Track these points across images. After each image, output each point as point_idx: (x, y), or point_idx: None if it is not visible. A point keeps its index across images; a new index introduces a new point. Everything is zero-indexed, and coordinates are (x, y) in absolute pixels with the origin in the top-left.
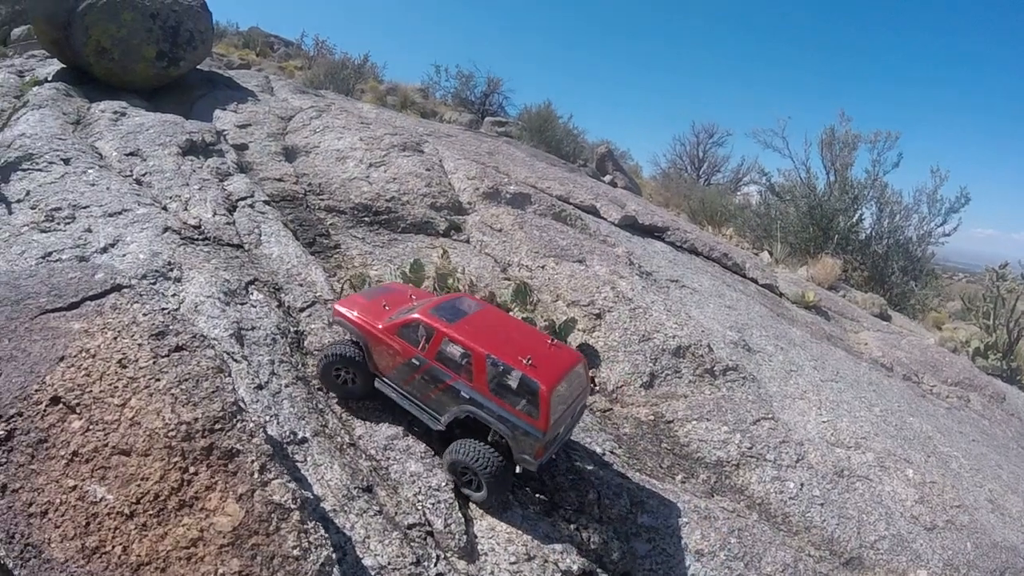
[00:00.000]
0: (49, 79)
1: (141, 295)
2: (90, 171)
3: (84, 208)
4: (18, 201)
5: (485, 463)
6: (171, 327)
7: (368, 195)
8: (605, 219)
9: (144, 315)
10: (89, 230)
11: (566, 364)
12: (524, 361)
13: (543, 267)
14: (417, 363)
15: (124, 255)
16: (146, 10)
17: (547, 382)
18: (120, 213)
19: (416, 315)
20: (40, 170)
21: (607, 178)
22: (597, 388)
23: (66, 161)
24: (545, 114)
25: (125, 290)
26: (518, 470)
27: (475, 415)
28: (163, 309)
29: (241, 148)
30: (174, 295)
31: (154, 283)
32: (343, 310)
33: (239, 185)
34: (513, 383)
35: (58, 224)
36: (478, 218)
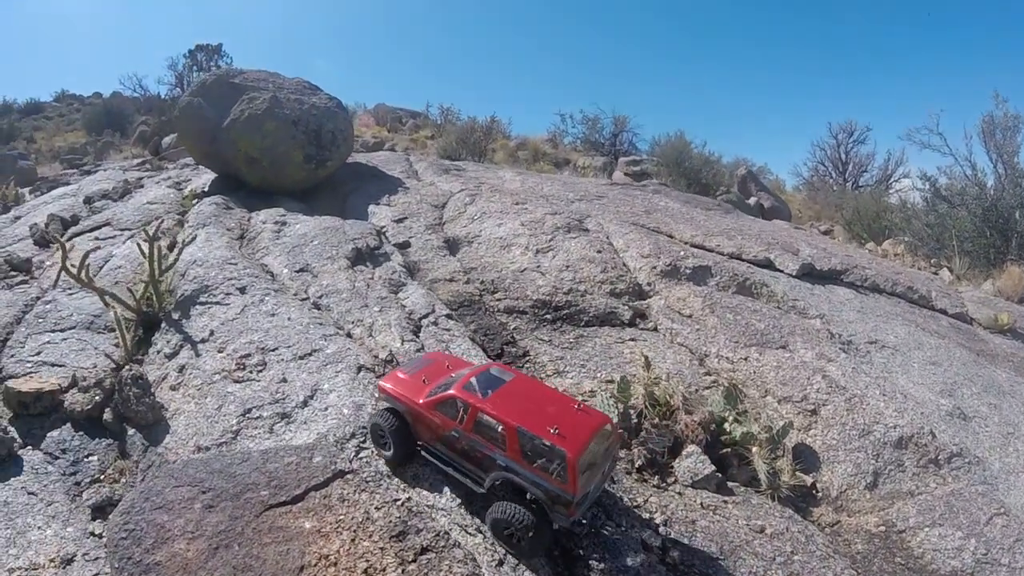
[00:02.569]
0: (206, 190)
1: (367, 482)
2: (267, 299)
3: (273, 351)
4: (202, 341)
5: (523, 522)
6: (410, 523)
7: (545, 289)
8: (782, 271)
9: (377, 508)
10: (284, 379)
11: (592, 427)
12: (551, 431)
13: (746, 359)
14: (456, 435)
15: (326, 409)
16: (287, 118)
17: (573, 450)
18: (310, 355)
19: (452, 392)
20: (218, 303)
21: (751, 200)
22: (735, 461)
23: (242, 290)
24: (679, 145)
25: (349, 476)
26: (556, 526)
27: (512, 481)
28: (396, 501)
29: (403, 246)
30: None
31: (365, 443)
32: (388, 386)
33: (417, 298)
34: (543, 451)
35: (250, 372)
36: (662, 302)
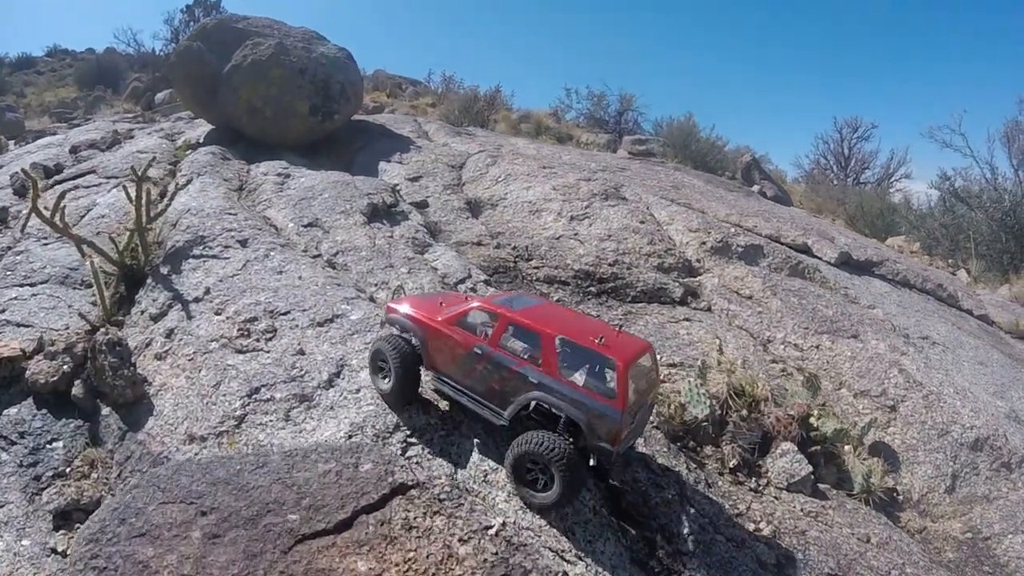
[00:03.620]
0: (201, 141)
1: (441, 500)
2: (273, 254)
3: (284, 315)
4: (197, 300)
5: (559, 451)
6: (513, 563)
7: (587, 260)
8: (820, 258)
9: (462, 541)
10: (301, 351)
11: (637, 348)
12: (596, 340)
13: (817, 346)
14: (480, 352)
15: (357, 391)
16: (294, 66)
17: (623, 358)
18: (331, 321)
19: (478, 304)
20: (215, 257)
21: (755, 188)
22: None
23: (243, 243)
24: (687, 128)
25: (414, 492)
26: (592, 462)
27: (545, 401)
28: (487, 529)
29: (421, 206)
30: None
31: (412, 437)
32: (400, 307)
33: (448, 261)
34: (586, 363)
35: (257, 341)
36: (715, 280)
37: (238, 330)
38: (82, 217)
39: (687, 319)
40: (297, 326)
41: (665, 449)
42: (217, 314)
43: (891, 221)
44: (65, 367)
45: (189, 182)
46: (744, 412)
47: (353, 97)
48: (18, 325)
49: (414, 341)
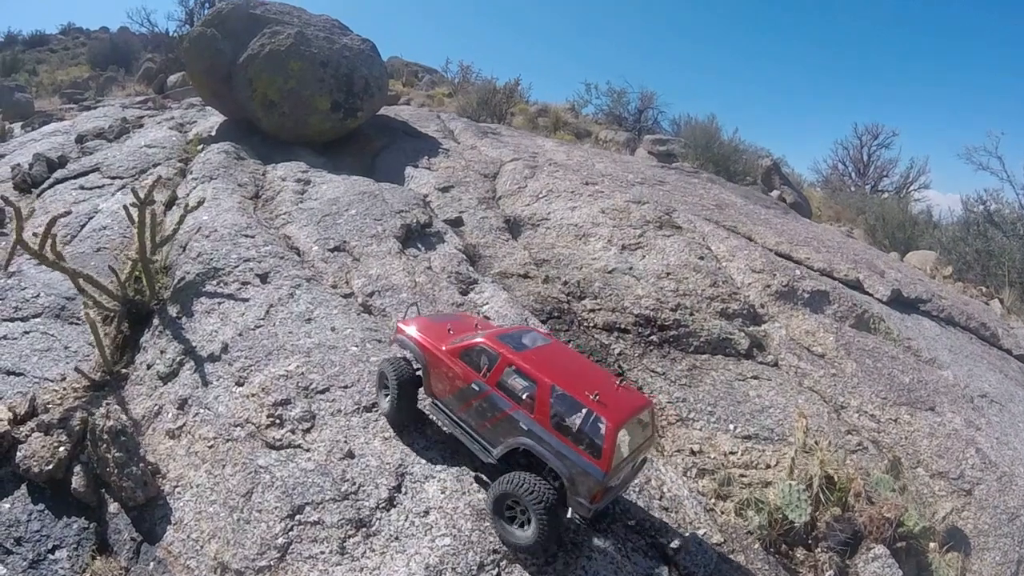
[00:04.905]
0: (213, 134)
1: None
2: (298, 292)
3: (322, 394)
4: (213, 359)
5: (539, 495)
6: None
7: (648, 303)
8: (872, 295)
9: None
10: (350, 453)
11: (634, 406)
12: (591, 396)
13: (895, 420)
14: (477, 389)
15: (426, 513)
16: (315, 58)
17: (614, 420)
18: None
19: (481, 340)
20: (232, 296)
21: (775, 193)
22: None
23: (263, 277)
24: (710, 130)
25: None
26: (569, 514)
27: (531, 448)
28: None
29: (456, 223)
30: None
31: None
32: (407, 329)
33: (500, 305)
34: (577, 418)
35: (293, 433)
36: (783, 332)
37: (268, 416)
38: (82, 227)
39: (755, 377)
40: (339, 411)
41: (766, 566)
42: (239, 385)
43: (912, 234)
44: (62, 450)
45: (200, 203)
46: (838, 510)
47: (378, 93)
48: (8, 373)
49: (416, 365)
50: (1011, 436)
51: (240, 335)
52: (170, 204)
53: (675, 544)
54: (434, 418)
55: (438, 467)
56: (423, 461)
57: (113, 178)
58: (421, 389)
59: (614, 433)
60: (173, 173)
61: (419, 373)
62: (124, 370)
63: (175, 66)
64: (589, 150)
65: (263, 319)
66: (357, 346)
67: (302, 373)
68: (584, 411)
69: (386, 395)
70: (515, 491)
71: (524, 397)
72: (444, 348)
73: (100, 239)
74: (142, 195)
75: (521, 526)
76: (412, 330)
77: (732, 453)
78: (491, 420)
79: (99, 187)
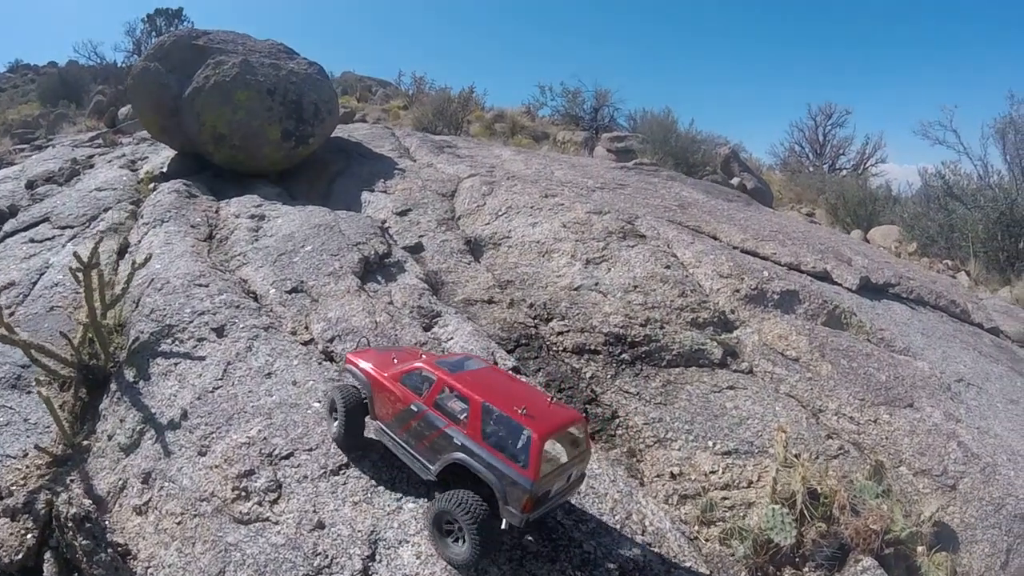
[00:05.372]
0: (164, 170)
1: None
2: (256, 344)
3: (287, 459)
4: (173, 426)
5: (470, 510)
6: None
7: (616, 320)
8: (841, 284)
9: None
10: (320, 523)
11: (563, 420)
12: (519, 410)
13: (875, 420)
14: (415, 409)
15: None
16: (261, 86)
17: (539, 431)
18: (347, 466)
19: (420, 363)
20: (188, 355)
21: (735, 180)
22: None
23: (219, 331)
24: (667, 123)
25: None
26: (504, 525)
27: (465, 463)
28: None
29: (415, 250)
30: None
31: None
32: (354, 359)
33: (464, 338)
34: (506, 432)
35: (260, 505)
36: (755, 337)
37: (233, 489)
38: (34, 284)
39: (731, 387)
40: (306, 476)
41: None
42: (202, 455)
43: (873, 210)
44: (29, 537)
45: (148, 259)
46: (823, 526)
47: (328, 117)
48: None
49: (363, 392)
50: (991, 420)
51: (199, 399)
52: (122, 252)
53: None
54: (380, 440)
55: (411, 531)
56: (395, 526)
57: (63, 228)
58: (368, 417)
59: (539, 444)
60: (124, 217)
61: (366, 400)
62: (85, 441)
63: (126, 98)
64: (547, 156)
65: (221, 379)
66: (319, 402)
67: (264, 438)
68: (512, 425)
69: (335, 420)
70: (449, 508)
71: (460, 411)
72: (386, 374)
73: (53, 297)
74: (85, 258)
75: (456, 541)
76: (359, 360)
77: (713, 472)
78: (428, 439)
79: (49, 239)
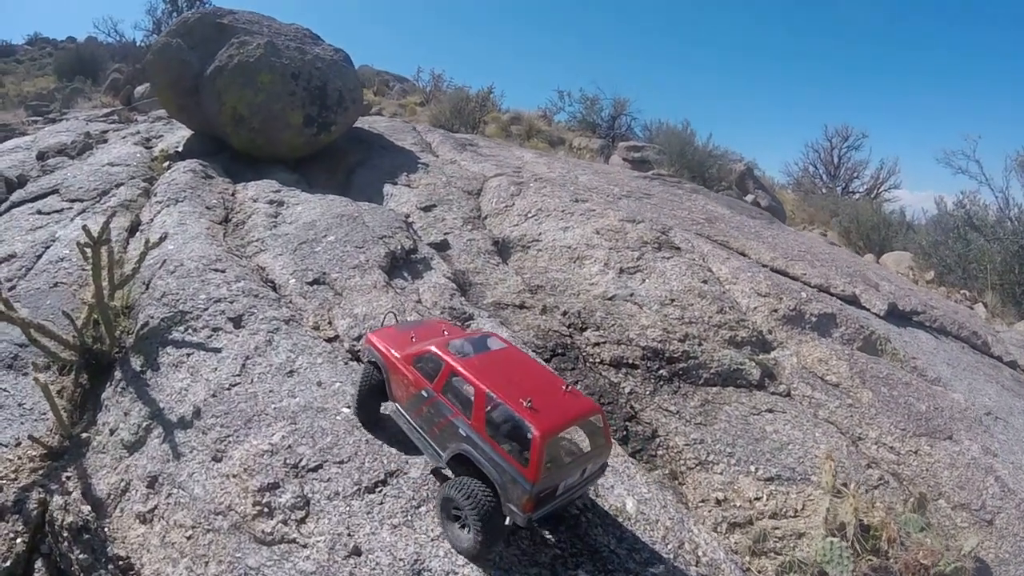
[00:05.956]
0: (179, 150)
1: None
2: (277, 339)
3: (315, 472)
4: (184, 425)
5: (475, 501)
6: None
7: (654, 333)
8: (869, 309)
9: None
10: (356, 550)
11: (574, 413)
12: (523, 403)
13: (915, 451)
14: (425, 395)
15: None
16: (286, 70)
17: (542, 428)
18: (384, 483)
19: (431, 347)
20: (202, 346)
21: (749, 197)
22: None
23: (236, 321)
24: (685, 136)
25: None
26: (508, 521)
27: (468, 454)
28: None
29: (442, 247)
30: None
31: None
32: (373, 339)
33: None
34: (510, 425)
35: (285, 524)
36: (794, 360)
37: (254, 504)
38: (39, 257)
39: (770, 409)
40: (337, 493)
41: None
42: (217, 460)
43: (886, 235)
44: (19, 541)
45: (162, 239)
46: (874, 559)
47: (352, 106)
48: None
49: (381, 373)
50: (1020, 456)
51: (214, 396)
52: (133, 230)
53: None
54: (395, 418)
55: (460, 561)
56: (440, 554)
57: (72, 201)
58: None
59: (541, 443)
60: (137, 194)
61: (384, 380)
62: (85, 434)
63: (142, 76)
64: (569, 161)
65: (239, 375)
66: (348, 407)
67: (289, 446)
68: (516, 419)
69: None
70: (455, 496)
71: (462, 407)
72: (400, 355)
73: (57, 272)
74: (96, 233)
75: (463, 528)
76: (377, 338)
77: (758, 499)
78: (438, 425)
79: (57, 211)
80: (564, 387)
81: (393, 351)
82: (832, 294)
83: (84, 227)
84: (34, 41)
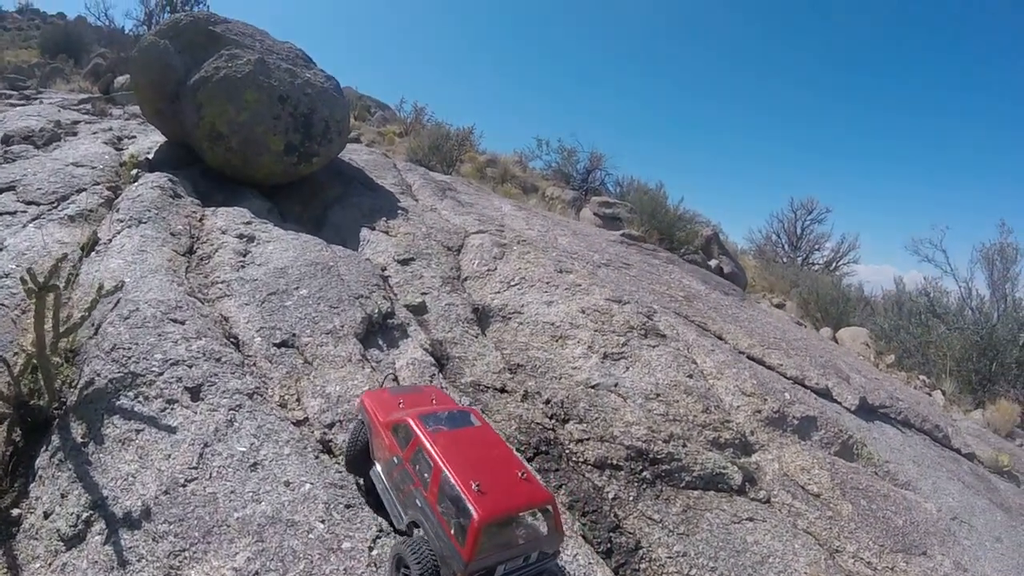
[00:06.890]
0: (151, 156)
1: None
2: (239, 419)
3: None
4: (131, 525)
5: (420, 559)
6: None
7: (639, 431)
8: (841, 404)
9: None
10: None
11: (523, 501)
12: (473, 485)
13: (892, 568)
14: (396, 462)
15: None
16: (273, 91)
17: (484, 513)
18: None
19: (406, 417)
20: (155, 422)
21: (712, 262)
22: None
23: (194, 393)
24: (657, 198)
25: None
26: None
27: (420, 524)
28: None
29: (419, 311)
30: None
31: None
32: (366, 399)
33: None
34: (456, 505)
35: None
36: (775, 465)
37: None
38: None
39: (750, 518)
40: None
41: None
42: None
43: (844, 310)
44: None
45: (117, 288)
46: None
47: (337, 138)
48: None
49: (366, 434)
50: (983, 563)
51: (166, 493)
52: (89, 248)
53: None
54: (373, 479)
55: None
56: None
57: (28, 203)
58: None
59: (479, 527)
60: (98, 203)
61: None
62: (15, 510)
63: (125, 66)
64: (548, 217)
65: (195, 467)
66: (323, 521)
67: (256, 572)
68: (461, 500)
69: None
70: (404, 553)
71: (426, 477)
72: (383, 420)
73: (1, 290)
74: (42, 278)
75: None
76: (369, 400)
77: None
78: (404, 492)
79: (10, 213)
80: (520, 473)
81: (379, 414)
82: (807, 387)
83: (28, 271)
84: (24, 10)
